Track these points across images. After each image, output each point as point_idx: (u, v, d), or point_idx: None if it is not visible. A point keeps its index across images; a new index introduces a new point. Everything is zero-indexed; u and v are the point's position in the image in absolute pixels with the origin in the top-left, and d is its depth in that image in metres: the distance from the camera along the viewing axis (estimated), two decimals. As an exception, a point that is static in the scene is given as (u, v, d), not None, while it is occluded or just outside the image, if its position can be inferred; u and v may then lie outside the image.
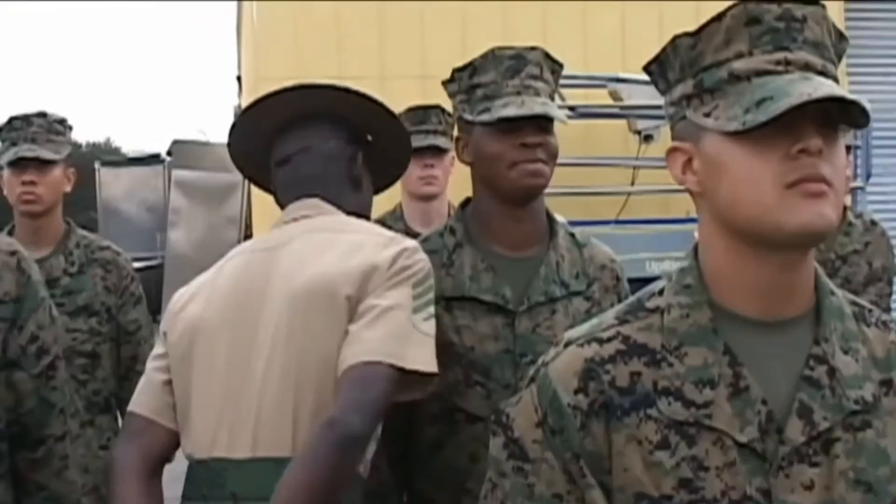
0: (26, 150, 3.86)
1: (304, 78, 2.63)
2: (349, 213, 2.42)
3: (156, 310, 10.82)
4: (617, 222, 8.29)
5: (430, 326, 2.22)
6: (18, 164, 3.89)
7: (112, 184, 20.72)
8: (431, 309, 2.24)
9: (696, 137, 1.53)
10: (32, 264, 2.57)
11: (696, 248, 1.60)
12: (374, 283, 2.19)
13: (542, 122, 2.50)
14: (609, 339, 1.55)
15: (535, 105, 2.46)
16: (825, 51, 1.50)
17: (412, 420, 2.53)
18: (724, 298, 1.54)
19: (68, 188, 3.98)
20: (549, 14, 8.28)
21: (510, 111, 2.45)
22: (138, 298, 4.08)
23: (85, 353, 3.90)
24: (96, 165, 21.13)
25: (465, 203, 2.70)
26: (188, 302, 2.33)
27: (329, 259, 2.23)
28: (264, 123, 2.49)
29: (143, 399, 2.33)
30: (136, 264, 17.88)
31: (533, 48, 2.56)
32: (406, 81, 7.55)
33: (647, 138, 8.43)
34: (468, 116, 2.56)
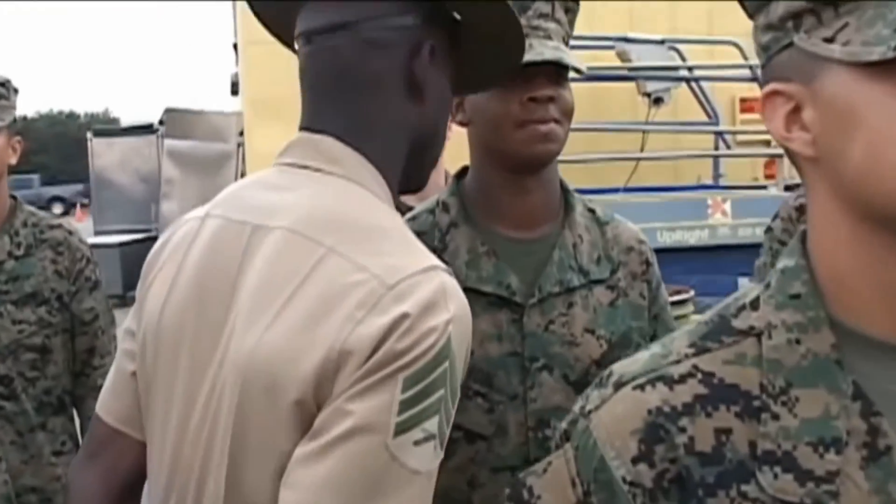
0: None
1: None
2: (380, 158, 1.65)
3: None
4: (626, 190, 8.14)
5: (425, 454, 1.42)
6: None
7: (104, 154, 20.28)
8: (434, 421, 1.43)
9: (808, 75, 1.07)
10: None
11: (803, 239, 1.16)
12: (342, 379, 1.42)
13: (555, 72, 2.07)
14: (682, 378, 1.11)
15: (545, 49, 2.03)
16: None
17: None
18: (849, 314, 1.09)
19: (13, 159, 3.49)
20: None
21: None
22: (95, 283, 3.57)
23: (34, 347, 3.42)
24: (88, 135, 20.84)
25: (462, 173, 2.27)
26: (159, 271, 1.73)
27: (289, 316, 1.48)
28: None
29: (109, 400, 1.80)
30: (131, 236, 17.87)
31: None
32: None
33: (657, 101, 8.36)
34: None
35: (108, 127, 27.20)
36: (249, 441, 1.48)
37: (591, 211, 2.25)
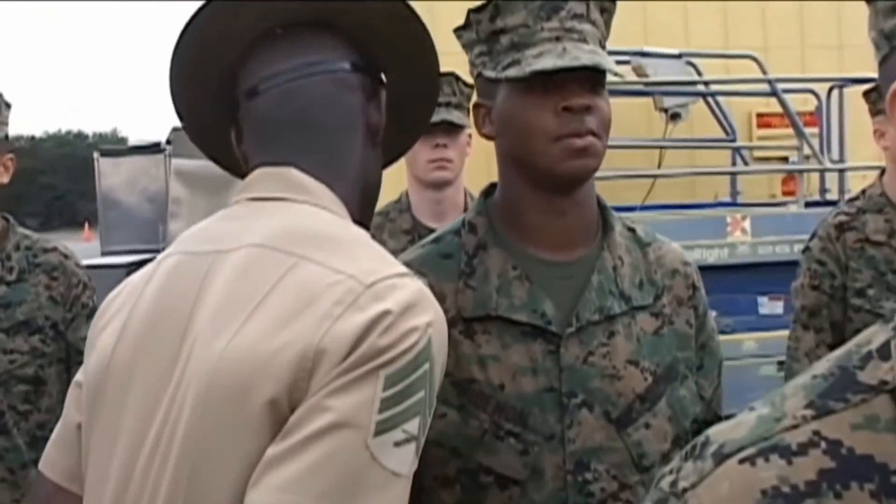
0: None
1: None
2: (346, 197, 1.64)
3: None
4: (643, 208, 8.01)
5: (405, 456, 1.37)
6: None
7: (111, 174, 20.21)
8: (415, 423, 1.37)
9: None
10: None
11: None
12: (319, 377, 1.35)
13: (592, 79, 1.88)
14: (803, 449, 0.89)
15: (581, 54, 1.84)
16: None
17: (419, 485, 1.91)
18: None
19: (5, 178, 3.32)
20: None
21: (547, 62, 1.83)
22: (92, 310, 3.35)
23: (26, 379, 3.24)
24: (95, 155, 20.78)
25: (489, 190, 2.07)
26: (112, 318, 1.64)
27: (260, 320, 1.41)
28: (220, 45, 1.66)
29: (54, 455, 1.70)
30: (139, 257, 17.86)
31: None
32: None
33: (675, 117, 8.28)
34: (490, 73, 1.94)
35: (114, 147, 27.19)
36: (212, 452, 1.39)
37: (632, 230, 2.06)
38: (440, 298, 1.93)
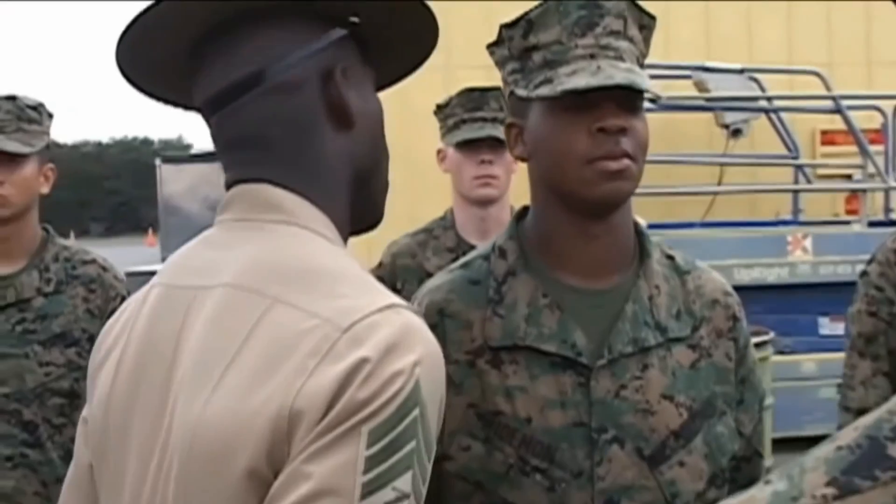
0: None
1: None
2: (328, 204, 1.49)
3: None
4: (702, 225, 7.93)
5: None
6: None
7: (173, 181, 20.27)
8: (407, 478, 1.24)
9: None
10: None
11: None
12: (297, 439, 1.23)
13: (628, 98, 1.79)
14: None
15: (616, 72, 1.76)
16: None
17: None
18: None
19: (46, 189, 3.29)
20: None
21: (580, 81, 1.75)
22: None
23: (61, 392, 3.19)
24: (157, 162, 20.92)
25: (522, 213, 1.99)
26: (110, 351, 1.55)
27: (235, 376, 1.30)
28: (157, 49, 1.51)
29: (68, 497, 1.62)
30: None
31: None
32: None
33: (736, 133, 8.24)
34: (522, 92, 1.85)
35: (177, 153, 27.45)
36: None
37: (671, 258, 1.97)
38: (466, 326, 1.86)
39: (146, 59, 1.52)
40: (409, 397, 1.24)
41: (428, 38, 1.61)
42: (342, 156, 1.50)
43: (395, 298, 1.33)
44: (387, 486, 1.21)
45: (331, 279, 1.35)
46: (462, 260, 1.98)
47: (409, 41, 1.61)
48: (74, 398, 3.19)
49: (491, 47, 1.94)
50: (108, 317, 3.20)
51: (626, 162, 1.78)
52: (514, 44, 1.88)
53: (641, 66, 1.86)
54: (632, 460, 1.79)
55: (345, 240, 1.52)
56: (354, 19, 1.51)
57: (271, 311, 1.31)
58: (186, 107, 1.62)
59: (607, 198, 1.80)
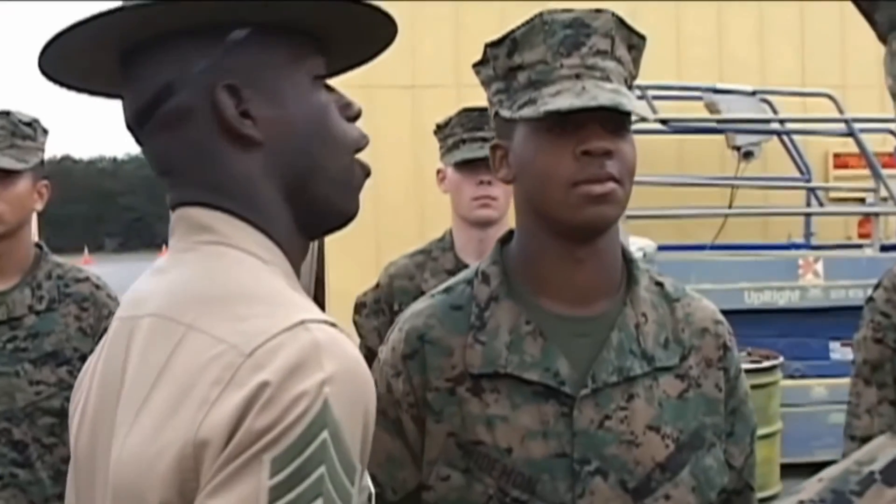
0: None
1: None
2: (262, 216, 1.39)
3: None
4: (713, 247, 7.90)
5: None
6: None
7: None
8: None
9: None
10: None
11: None
12: (204, 472, 1.17)
13: (614, 120, 1.75)
14: None
15: (600, 93, 1.71)
16: None
17: None
18: None
19: (40, 206, 3.26)
20: (637, 17, 7.85)
21: (563, 102, 1.70)
22: None
23: (52, 411, 3.15)
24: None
25: (507, 238, 1.94)
26: (80, 386, 1.52)
27: (148, 414, 1.26)
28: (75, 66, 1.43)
29: None
30: None
31: (599, 11, 1.81)
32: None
33: (747, 155, 8.22)
34: (506, 112, 1.81)
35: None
36: None
37: (660, 284, 1.92)
38: (447, 353, 1.81)
39: (76, 68, 1.44)
40: (315, 421, 1.16)
41: (377, 19, 1.44)
42: (256, 176, 1.39)
43: (311, 314, 1.25)
44: None
45: (246, 301, 1.28)
46: (445, 284, 1.94)
47: (353, 30, 1.46)
48: (65, 417, 3.14)
49: (477, 66, 1.90)
50: (101, 336, 3.17)
51: (611, 185, 1.73)
52: (498, 63, 1.84)
53: (630, 87, 1.82)
54: (615, 493, 1.75)
55: (301, 249, 1.45)
56: (255, 19, 1.38)
57: (186, 339, 1.26)
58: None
59: (591, 222, 1.75)
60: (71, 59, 1.40)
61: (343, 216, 1.47)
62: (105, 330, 3.17)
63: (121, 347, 1.37)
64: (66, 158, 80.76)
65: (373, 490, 1.40)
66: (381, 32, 1.47)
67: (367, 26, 1.45)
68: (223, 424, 1.16)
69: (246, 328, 1.22)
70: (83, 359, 3.14)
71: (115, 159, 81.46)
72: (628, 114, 1.76)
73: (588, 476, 1.74)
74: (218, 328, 1.23)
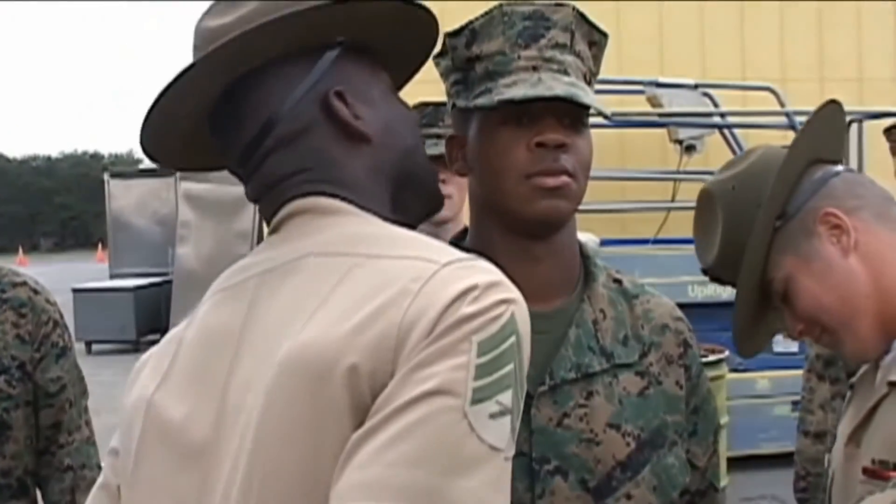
0: None
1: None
2: (370, 204, 1.53)
3: (164, 330, 10.44)
4: (655, 241, 7.92)
5: (502, 429, 1.26)
6: None
7: (122, 196, 20.42)
8: (508, 395, 1.26)
9: None
10: None
11: None
12: (406, 351, 1.26)
13: (570, 113, 1.72)
14: None
15: (557, 85, 1.68)
16: None
17: None
18: None
19: None
20: (580, 12, 8.01)
21: (518, 91, 1.68)
22: (62, 350, 3.12)
23: None
24: (105, 177, 21.00)
25: (461, 237, 1.92)
26: (151, 370, 1.56)
27: (327, 313, 1.32)
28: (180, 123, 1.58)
29: None
30: (146, 280, 18.10)
31: (560, 5, 1.78)
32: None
33: (690, 149, 8.25)
34: (461, 102, 1.78)
35: (125, 169, 27.50)
36: (284, 455, 1.30)
37: (618, 281, 1.88)
38: None
39: (168, 138, 1.60)
40: (508, 324, 1.28)
41: (427, 32, 1.64)
42: (368, 168, 1.53)
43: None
44: (492, 397, 1.24)
45: (412, 240, 1.40)
46: None
47: (411, 40, 1.63)
48: (4, 429, 3.01)
49: (436, 58, 1.86)
50: (41, 343, 3.06)
51: (564, 179, 1.70)
52: (457, 54, 1.80)
53: (589, 83, 1.79)
54: (575, 493, 1.71)
55: None
56: (340, 38, 1.53)
57: (362, 264, 1.35)
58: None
59: (543, 215, 1.72)
60: (168, 119, 1.55)
61: (438, 199, 1.66)
62: (45, 336, 3.05)
63: (238, 306, 1.46)
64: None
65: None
66: (427, 33, 1.64)
67: (417, 28, 1.61)
68: (433, 308, 1.26)
69: (430, 252, 1.34)
70: (21, 367, 3.02)
71: (49, 158, 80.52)
72: (585, 108, 1.72)
73: (547, 475, 1.70)
74: (399, 253, 1.35)
